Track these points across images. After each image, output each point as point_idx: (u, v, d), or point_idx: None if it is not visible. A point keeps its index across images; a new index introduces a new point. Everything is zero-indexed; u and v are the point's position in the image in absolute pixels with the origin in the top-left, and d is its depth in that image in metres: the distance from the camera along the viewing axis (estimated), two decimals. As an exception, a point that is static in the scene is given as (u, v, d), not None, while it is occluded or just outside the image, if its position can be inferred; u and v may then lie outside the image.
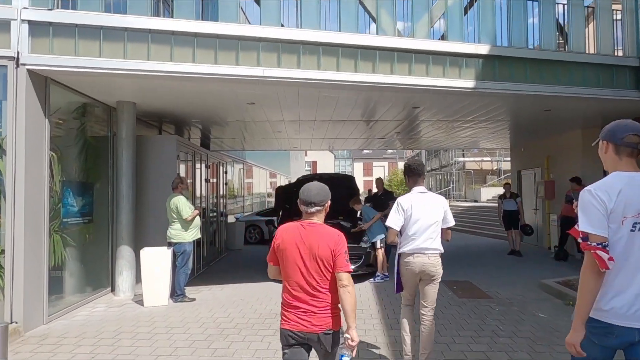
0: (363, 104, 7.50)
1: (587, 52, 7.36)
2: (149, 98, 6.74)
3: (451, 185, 29.63)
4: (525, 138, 12.20)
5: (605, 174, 2.17)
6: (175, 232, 6.37)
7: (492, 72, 6.58)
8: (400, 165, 47.56)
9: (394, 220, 3.78)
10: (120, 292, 6.65)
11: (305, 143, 12.88)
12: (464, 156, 29.28)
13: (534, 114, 8.35)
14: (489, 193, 25.21)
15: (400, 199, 3.83)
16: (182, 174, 7.87)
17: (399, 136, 11.58)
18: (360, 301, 6.08)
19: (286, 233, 2.45)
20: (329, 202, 2.55)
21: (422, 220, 3.74)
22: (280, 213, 9.19)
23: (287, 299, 2.43)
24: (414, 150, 41.58)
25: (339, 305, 2.39)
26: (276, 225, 8.90)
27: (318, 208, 2.47)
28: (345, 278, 2.34)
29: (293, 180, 16.66)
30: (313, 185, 2.53)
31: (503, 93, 6.62)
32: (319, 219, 2.50)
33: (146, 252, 6.18)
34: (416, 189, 3.89)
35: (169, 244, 6.45)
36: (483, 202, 24.45)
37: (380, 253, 7.65)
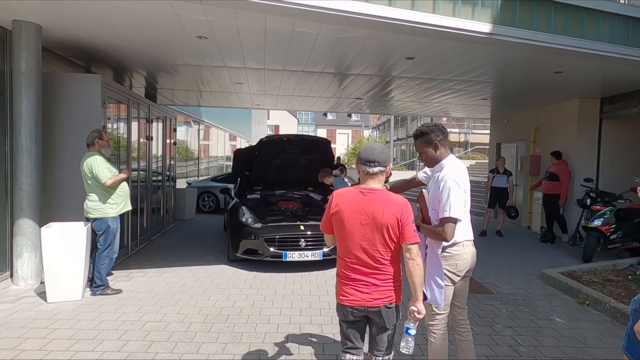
0: (344, 51, 6.00)
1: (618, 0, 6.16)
2: (58, 18, 4.90)
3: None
4: (510, 107, 11.15)
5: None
6: (93, 205, 4.77)
7: (512, 16, 5.23)
8: (367, 133, 46.47)
9: (460, 208, 2.56)
10: (19, 279, 5.03)
11: (270, 101, 11.23)
12: (432, 127, 28.42)
13: (538, 76, 7.18)
14: (456, 165, 24.59)
15: (456, 176, 2.59)
16: (114, 128, 6.14)
17: (370, 99, 10.24)
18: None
19: (343, 200, 2.21)
20: (391, 165, 2.31)
21: (469, 199, 2.71)
22: (239, 180, 7.68)
23: (345, 271, 2.23)
24: (382, 117, 40.57)
25: (401, 278, 2.25)
26: (232, 195, 7.42)
27: (381, 169, 2.22)
28: (414, 250, 2.14)
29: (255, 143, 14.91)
30: (375, 143, 2.30)
31: (521, 43, 5.32)
32: (379, 183, 2.24)
33: (51, 230, 4.56)
34: (452, 157, 2.74)
35: (86, 219, 4.86)
36: (449, 174, 23.82)
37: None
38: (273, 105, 12.33)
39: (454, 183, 2.53)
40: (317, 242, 5.91)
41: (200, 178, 15.00)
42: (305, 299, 4.89)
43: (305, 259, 5.85)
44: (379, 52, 6.09)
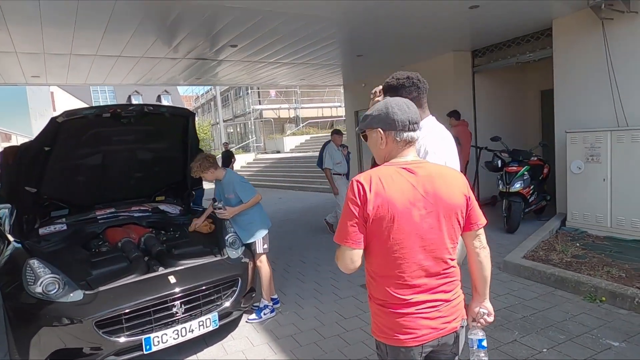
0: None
1: None
2: None
3: (252, 138, 26.76)
4: (367, 70, 9.93)
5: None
6: None
7: None
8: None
9: None
10: None
11: (57, 70, 7.31)
12: (260, 103, 26.61)
13: (449, 16, 5.76)
14: (292, 143, 23.55)
15: (433, 142, 1.96)
16: None
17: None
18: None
19: (385, 187, 1.45)
20: None
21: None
22: (17, 205, 4.07)
23: (399, 294, 1.49)
24: (200, 99, 36.89)
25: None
26: (3, 234, 3.86)
27: (419, 133, 1.57)
28: (483, 235, 1.62)
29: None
30: (399, 98, 1.62)
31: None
32: (415, 154, 1.58)
33: None
34: (431, 119, 2.15)
35: None
36: (287, 152, 22.65)
37: (265, 263, 3.89)
38: (63, 79, 8.27)
39: (432, 149, 1.91)
40: (205, 297, 3.23)
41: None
42: None
43: (189, 336, 3.11)
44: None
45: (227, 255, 3.59)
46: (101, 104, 45.83)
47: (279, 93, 26.04)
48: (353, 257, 1.49)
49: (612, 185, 5.25)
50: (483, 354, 1.71)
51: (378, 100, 2.34)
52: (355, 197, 1.46)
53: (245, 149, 25.85)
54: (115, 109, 3.45)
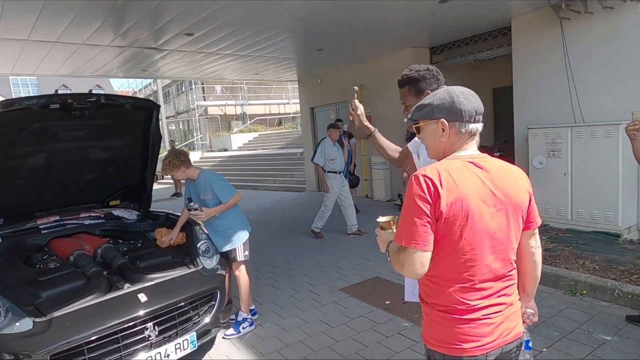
0: None
1: None
2: None
3: (197, 135, 25.60)
4: (325, 65, 9.72)
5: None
6: None
7: None
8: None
9: None
10: None
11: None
12: (205, 99, 25.55)
13: (413, 10, 5.68)
14: (240, 140, 22.87)
15: None
16: None
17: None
18: None
19: (457, 183, 1.32)
20: None
21: None
22: None
23: (466, 299, 1.37)
24: (147, 83, 34.84)
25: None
26: None
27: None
28: (538, 233, 1.55)
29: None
30: (462, 87, 1.45)
31: None
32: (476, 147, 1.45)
33: None
34: None
35: None
36: (235, 150, 21.96)
37: (244, 272, 3.53)
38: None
39: None
40: (181, 316, 2.83)
41: None
42: None
43: (165, 362, 2.70)
44: None
45: (201, 266, 3.19)
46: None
47: (225, 89, 25.15)
48: (424, 260, 1.33)
49: (573, 179, 5.44)
50: (529, 355, 1.72)
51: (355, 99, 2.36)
52: (425, 194, 1.31)
53: (191, 147, 24.70)
54: (65, 99, 2.89)
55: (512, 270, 1.46)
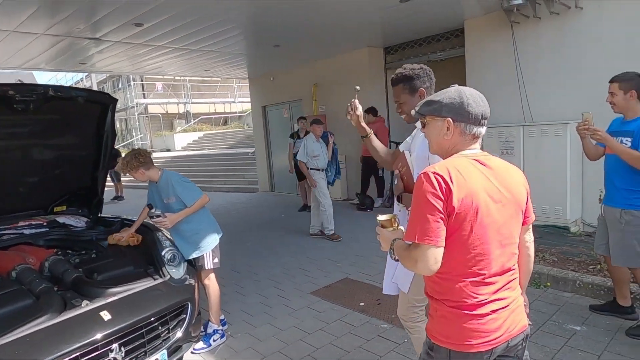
0: None
1: None
2: None
3: (137, 135, 24.21)
4: (277, 63, 9.52)
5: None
6: None
7: None
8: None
9: None
10: None
11: None
12: (145, 97, 24.25)
13: (369, 9, 5.66)
14: (184, 140, 21.97)
15: None
16: None
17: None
18: None
19: (467, 179, 1.37)
20: None
21: None
22: None
23: (475, 293, 1.40)
24: (78, 79, 32.39)
25: None
26: None
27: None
28: (531, 228, 1.64)
29: None
30: (470, 88, 1.49)
31: None
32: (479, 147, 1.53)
33: None
34: None
35: None
36: (179, 150, 21.06)
37: (214, 281, 3.28)
38: None
39: None
40: (150, 333, 2.54)
41: None
42: None
43: (134, 386, 2.40)
44: None
45: (168, 276, 2.89)
46: None
47: (167, 86, 24.02)
48: (437, 256, 1.36)
49: (525, 175, 5.69)
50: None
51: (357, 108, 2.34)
52: (437, 190, 1.35)
53: (129, 148, 23.28)
54: (6, 90, 2.49)
55: (515, 264, 1.53)
